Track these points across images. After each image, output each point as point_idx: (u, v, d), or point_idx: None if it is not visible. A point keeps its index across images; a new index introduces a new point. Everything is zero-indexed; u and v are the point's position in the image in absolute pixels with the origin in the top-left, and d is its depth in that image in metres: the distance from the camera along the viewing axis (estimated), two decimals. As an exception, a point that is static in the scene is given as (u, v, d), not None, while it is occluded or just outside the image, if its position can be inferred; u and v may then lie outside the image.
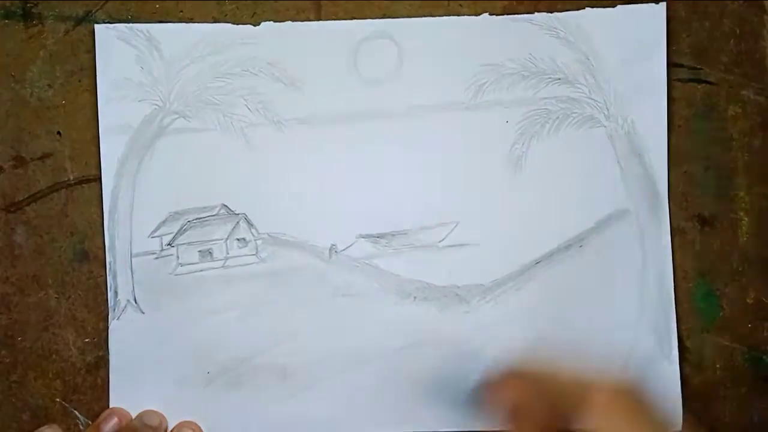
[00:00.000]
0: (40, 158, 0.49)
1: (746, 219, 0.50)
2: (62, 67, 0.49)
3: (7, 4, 0.49)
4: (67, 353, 0.49)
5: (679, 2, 0.50)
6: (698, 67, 0.50)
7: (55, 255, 0.49)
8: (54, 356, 0.49)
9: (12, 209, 0.49)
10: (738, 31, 0.50)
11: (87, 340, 0.49)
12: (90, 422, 0.49)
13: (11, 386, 0.49)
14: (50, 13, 0.49)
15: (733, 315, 0.49)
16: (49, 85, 0.49)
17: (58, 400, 0.49)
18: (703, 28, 0.50)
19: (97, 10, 0.49)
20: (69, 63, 0.49)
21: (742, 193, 0.50)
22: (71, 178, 0.49)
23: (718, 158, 0.50)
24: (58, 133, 0.49)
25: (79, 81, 0.49)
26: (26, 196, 0.49)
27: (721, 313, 0.49)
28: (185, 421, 0.48)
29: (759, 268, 0.50)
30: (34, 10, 0.49)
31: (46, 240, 0.49)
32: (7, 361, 0.49)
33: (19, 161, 0.49)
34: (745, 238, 0.50)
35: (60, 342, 0.49)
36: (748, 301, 0.50)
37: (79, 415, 0.49)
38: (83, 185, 0.49)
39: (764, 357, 0.49)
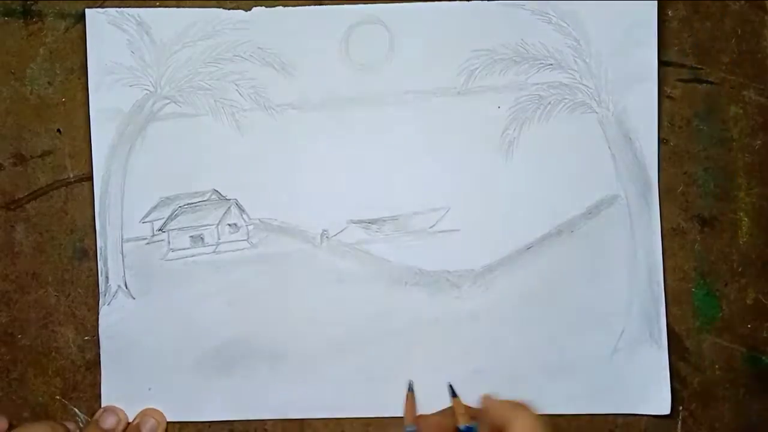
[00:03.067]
0: (40, 156, 0.49)
1: (746, 219, 0.50)
2: (62, 65, 0.49)
3: (8, 2, 0.49)
4: (67, 351, 0.49)
5: (680, 2, 0.50)
6: (699, 67, 0.50)
7: (54, 253, 0.49)
8: (54, 354, 0.49)
9: (12, 207, 0.49)
10: (739, 32, 0.50)
11: (87, 337, 0.49)
12: (90, 419, 0.49)
13: (11, 383, 0.49)
14: (50, 11, 0.49)
15: (733, 316, 0.49)
16: (49, 83, 0.49)
17: (57, 397, 0.49)
18: (705, 29, 0.50)
19: (96, 9, 0.49)
20: (69, 60, 0.49)
21: (742, 194, 0.50)
22: (71, 175, 0.49)
23: (719, 159, 0.50)
24: (58, 130, 0.49)
25: (79, 78, 0.49)
26: (26, 194, 0.49)
27: (720, 314, 0.49)
28: (148, 409, 0.48)
29: (759, 268, 0.49)
30: (34, 8, 0.49)
31: (45, 238, 0.49)
32: (7, 358, 0.49)
33: (20, 159, 0.49)
34: (745, 239, 0.50)
35: (60, 339, 0.49)
36: (747, 301, 0.49)
37: (78, 413, 0.49)
38: (83, 183, 0.49)
39: (763, 358, 0.49)
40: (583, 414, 0.49)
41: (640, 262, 0.49)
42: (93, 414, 0.49)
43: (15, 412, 0.49)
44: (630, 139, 0.49)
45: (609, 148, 0.49)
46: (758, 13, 0.50)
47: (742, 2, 0.50)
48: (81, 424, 0.49)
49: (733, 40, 0.50)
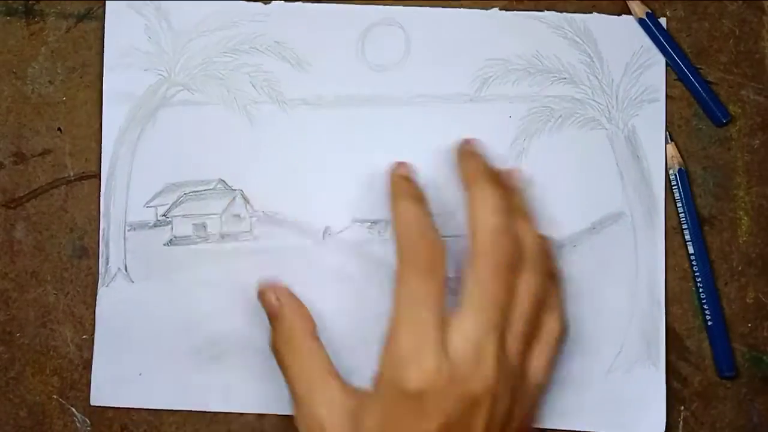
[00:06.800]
0: (40, 154, 0.50)
1: (746, 219, 0.50)
2: (63, 64, 0.50)
3: (9, 2, 0.50)
4: (65, 349, 0.49)
5: (678, 2, 0.50)
6: (698, 66, 0.50)
7: (54, 251, 0.49)
8: (52, 352, 0.49)
9: (12, 205, 0.49)
10: (737, 32, 0.50)
11: (85, 336, 0.49)
12: (87, 419, 0.49)
13: (8, 382, 0.49)
14: (52, 11, 0.50)
15: (733, 315, 0.49)
16: (50, 82, 0.50)
17: (55, 396, 0.49)
18: (703, 28, 0.50)
19: (99, 8, 0.50)
20: (70, 60, 0.50)
21: (741, 193, 0.50)
22: (71, 174, 0.49)
23: (718, 158, 0.50)
24: (59, 129, 0.50)
25: (81, 78, 0.50)
26: (26, 192, 0.49)
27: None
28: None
29: (759, 268, 0.49)
30: (36, 8, 0.50)
31: (45, 236, 0.49)
32: (5, 357, 0.49)
33: (20, 157, 0.50)
34: (744, 238, 0.50)
35: (58, 338, 0.49)
36: (748, 301, 0.49)
37: (75, 412, 0.49)
38: (83, 181, 0.49)
39: (764, 357, 0.49)
40: (575, 431, 0.49)
41: (642, 282, 0.49)
42: (90, 413, 0.49)
43: (12, 411, 0.49)
44: (638, 158, 0.49)
45: (617, 165, 0.49)
46: (756, 13, 0.50)
47: (740, 3, 0.50)
48: (78, 424, 0.49)
49: (731, 41, 0.50)
